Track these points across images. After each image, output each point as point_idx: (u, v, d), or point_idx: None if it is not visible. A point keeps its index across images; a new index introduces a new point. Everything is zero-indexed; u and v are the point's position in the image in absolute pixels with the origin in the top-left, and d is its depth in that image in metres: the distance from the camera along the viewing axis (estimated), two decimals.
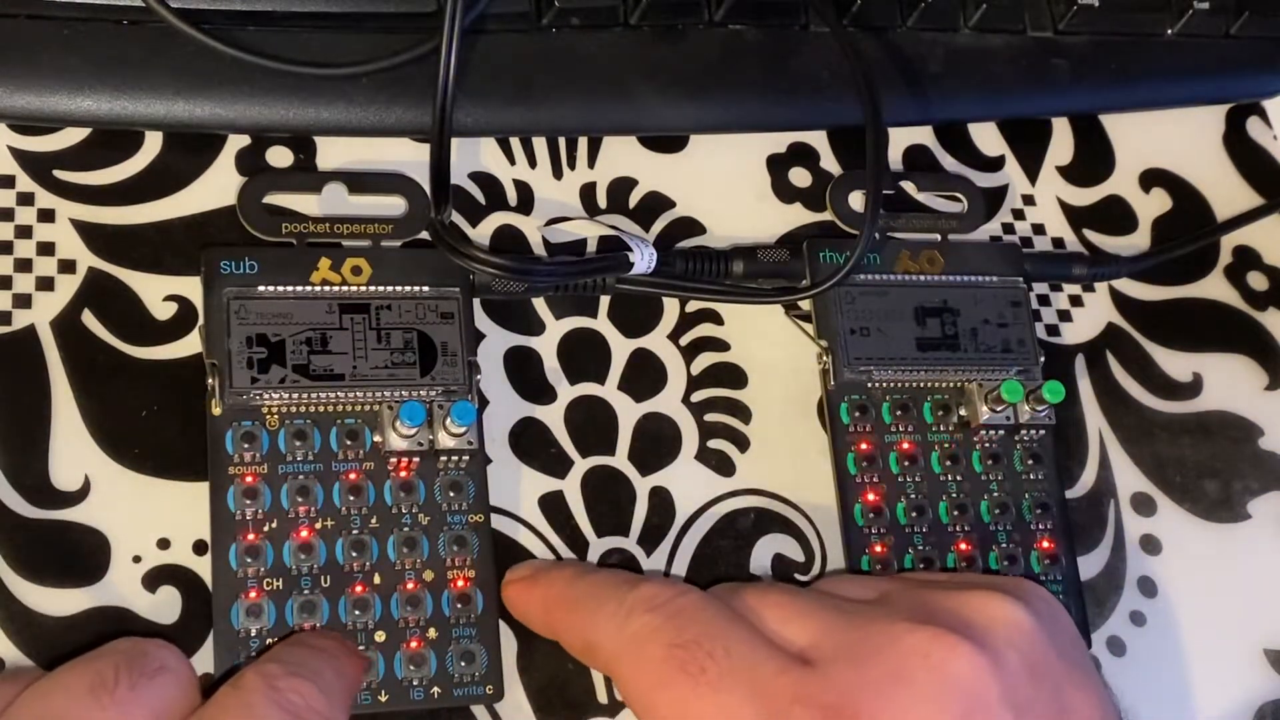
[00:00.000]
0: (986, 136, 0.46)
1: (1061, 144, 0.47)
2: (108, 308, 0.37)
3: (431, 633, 0.34)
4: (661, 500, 0.38)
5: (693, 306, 0.41)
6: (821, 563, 0.39)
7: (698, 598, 0.33)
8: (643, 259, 0.38)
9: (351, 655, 0.33)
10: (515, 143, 0.42)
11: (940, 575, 0.37)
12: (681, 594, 0.32)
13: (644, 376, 0.40)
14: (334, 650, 0.32)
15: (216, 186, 0.39)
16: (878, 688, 0.30)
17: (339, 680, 0.31)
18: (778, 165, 0.44)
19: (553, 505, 0.37)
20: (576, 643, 0.34)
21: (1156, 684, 0.39)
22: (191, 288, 0.37)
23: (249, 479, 0.34)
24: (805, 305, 0.40)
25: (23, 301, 0.36)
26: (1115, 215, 0.46)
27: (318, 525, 0.35)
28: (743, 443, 0.40)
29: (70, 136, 0.38)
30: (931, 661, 0.30)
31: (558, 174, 0.42)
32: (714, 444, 0.39)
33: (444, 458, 0.36)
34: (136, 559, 0.34)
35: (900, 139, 0.45)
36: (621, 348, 0.40)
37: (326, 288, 0.36)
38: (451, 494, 0.35)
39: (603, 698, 0.36)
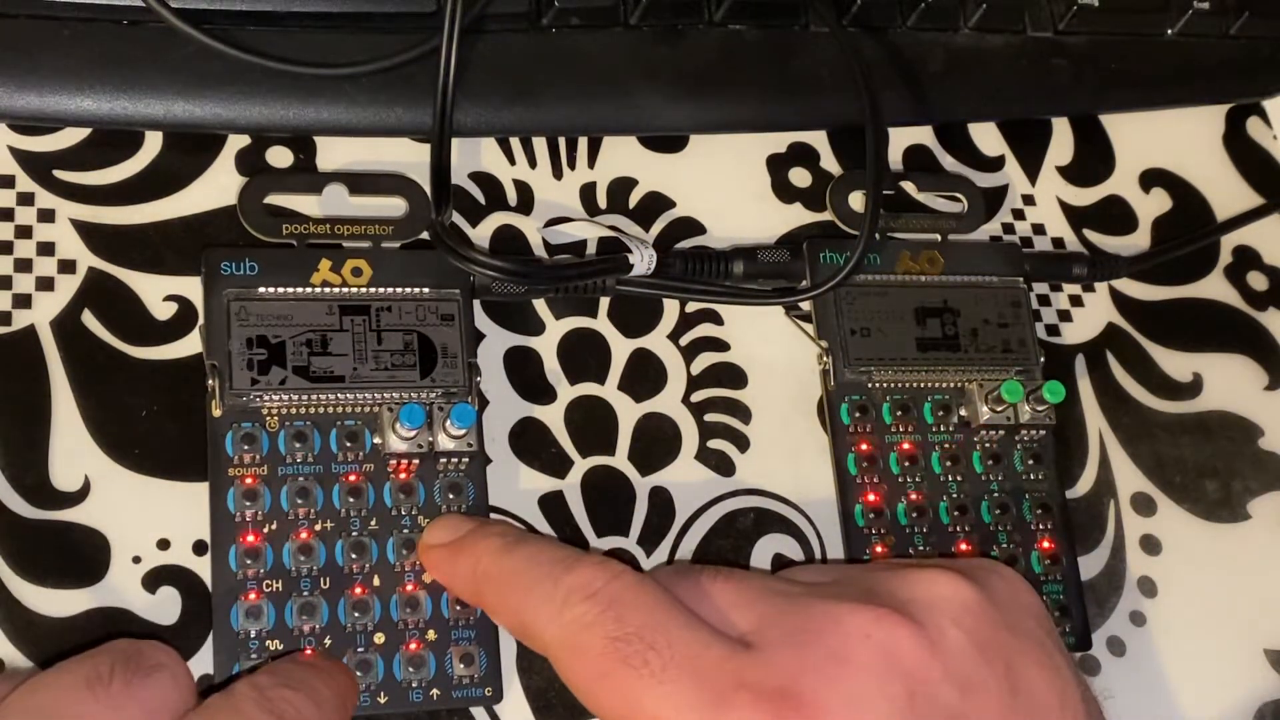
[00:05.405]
0: (986, 136, 0.46)
1: (1061, 144, 0.47)
2: (108, 308, 0.37)
3: (431, 635, 0.35)
4: (661, 500, 0.38)
5: (693, 307, 0.41)
6: (822, 563, 0.39)
7: (633, 581, 0.31)
8: (642, 260, 0.38)
9: (346, 674, 0.33)
10: (515, 143, 0.42)
11: (903, 561, 0.37)
12: (616, 577, 0.31)
13: (644, 376, 0.40)
14: (329, 668, 0.32)
15: (216, 187, 0.39)
16: (819, 669, 0.30)
17: (333, 696, 0.31)
18: (778, 165, 0.43)
19: (553, 505, 0.37)
20: (510, 623, 0.33)
21: (1156, 684, 0.39)
22: (191, 288, 0.37)
23: (249, 480, 0.34)
24: (805, 305, 0.40)
25: (23, 301, 0.36)
26: (1115, 215, 0.46)
27: (317, 527, 0.35)
28: (743, 443, 0.40)
29: (70, 136, 0.38)
30: (873, 641, 0.30)
31: (558, 174, 0.42)
32: (714, 444, 0.39)
33: (443, 460, 0.36)
34: (136, 559, 0.34)
35: (900, 139, 0.45)
36: (621, 348, 0.40)
37: (327, 289, 0.36)
38: (451, 496, 0.35)
39: None
